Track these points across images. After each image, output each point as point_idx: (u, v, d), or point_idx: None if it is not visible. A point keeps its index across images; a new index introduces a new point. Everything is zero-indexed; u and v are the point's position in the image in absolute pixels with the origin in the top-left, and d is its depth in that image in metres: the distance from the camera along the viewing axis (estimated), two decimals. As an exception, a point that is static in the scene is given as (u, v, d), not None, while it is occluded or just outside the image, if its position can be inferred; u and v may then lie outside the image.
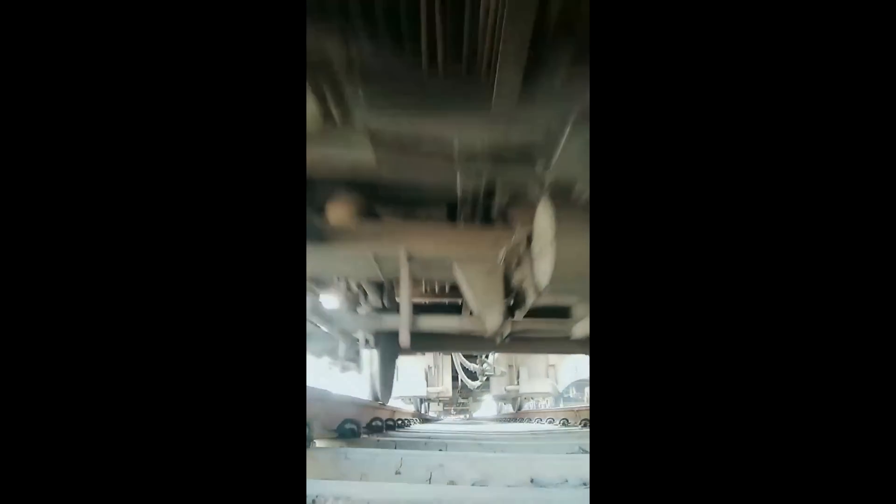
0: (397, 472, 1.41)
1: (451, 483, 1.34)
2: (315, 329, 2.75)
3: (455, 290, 2.81)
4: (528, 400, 9.07)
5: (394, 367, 4.31)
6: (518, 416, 8.22)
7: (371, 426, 2.95)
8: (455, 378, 8.40)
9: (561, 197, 1.67)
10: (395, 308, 2.77)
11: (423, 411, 8.61)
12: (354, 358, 3.37)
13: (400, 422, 4.40)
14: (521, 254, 2.04)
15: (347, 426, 2.31)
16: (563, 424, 4.86)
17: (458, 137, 1.52)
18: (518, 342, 2.93)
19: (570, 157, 1.44)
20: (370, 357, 3.58)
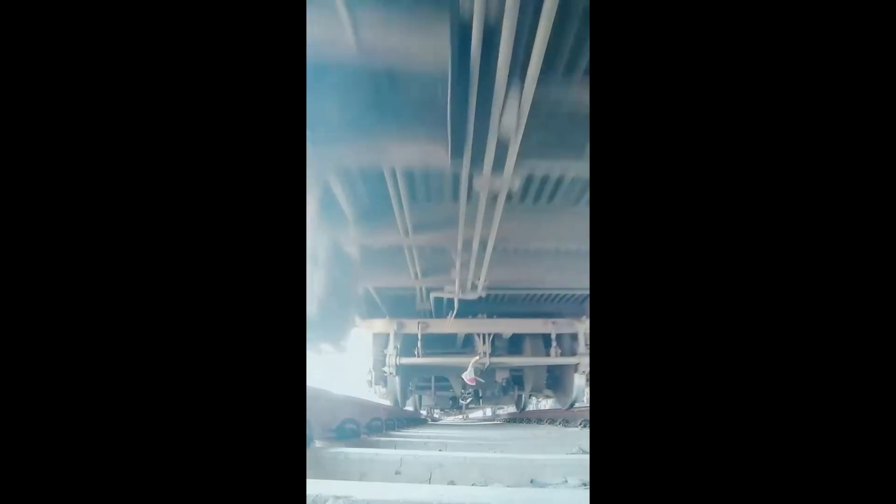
0: (397, 472, 1.41)
1: (451, 483, 1.34)
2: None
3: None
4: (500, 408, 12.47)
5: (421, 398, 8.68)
6: (495, 417, 10.99)
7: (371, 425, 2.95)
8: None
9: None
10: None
11: (432, 414, 11.20)
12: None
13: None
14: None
15: (347, 426, 2.31)
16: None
17: None
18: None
19: None
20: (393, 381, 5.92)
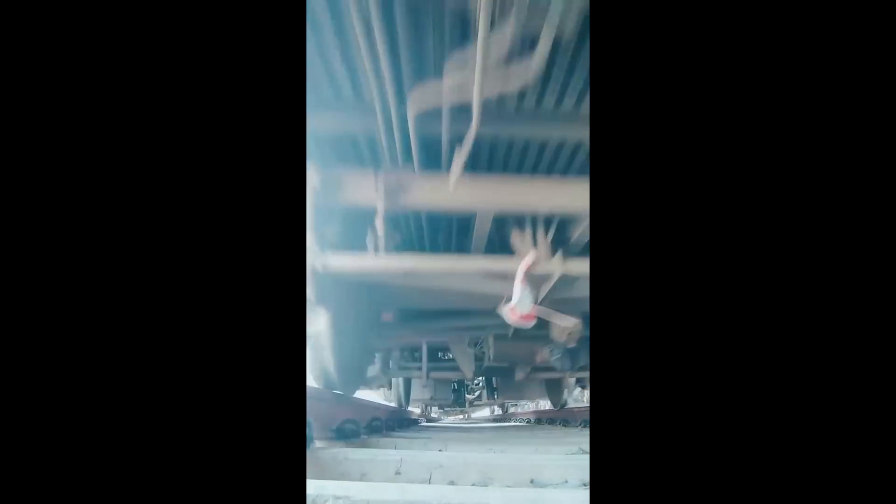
0: (397, 472, 1.41)
1: (451, 483, 1.34)
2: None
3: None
4: (514, 405, 9.22)
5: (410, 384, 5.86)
6: (508, 417, 8.26)
7: (371, 426, 2.95)
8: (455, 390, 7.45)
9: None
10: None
11: (428, 413, 8.15)
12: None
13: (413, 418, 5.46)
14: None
15: (347, 426, 2.31)
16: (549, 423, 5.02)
17: None
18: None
19: None
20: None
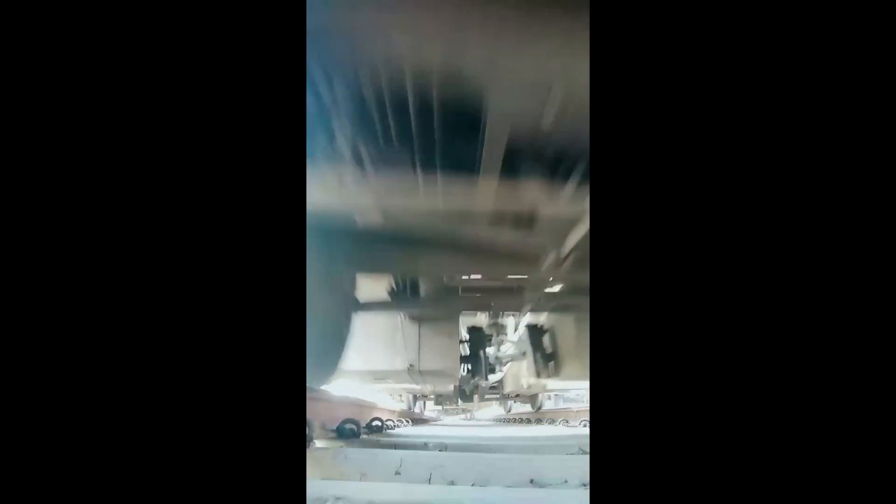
0: (397, 472, 1.41)
1: (451, 483, 1.34)
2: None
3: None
4: (549, 398, 6.32)
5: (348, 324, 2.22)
6: (538, 416, 5.62)
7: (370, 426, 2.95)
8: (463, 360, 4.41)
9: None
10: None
11: (416, 409, 5.55)
12: None
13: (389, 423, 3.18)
14: None
15: (347, 426, 2.31)
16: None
17: None
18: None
19: None
20: None
